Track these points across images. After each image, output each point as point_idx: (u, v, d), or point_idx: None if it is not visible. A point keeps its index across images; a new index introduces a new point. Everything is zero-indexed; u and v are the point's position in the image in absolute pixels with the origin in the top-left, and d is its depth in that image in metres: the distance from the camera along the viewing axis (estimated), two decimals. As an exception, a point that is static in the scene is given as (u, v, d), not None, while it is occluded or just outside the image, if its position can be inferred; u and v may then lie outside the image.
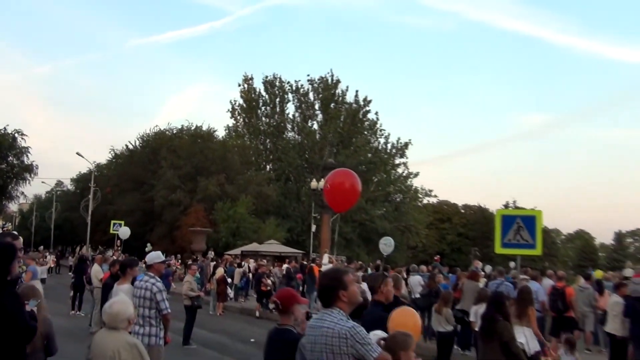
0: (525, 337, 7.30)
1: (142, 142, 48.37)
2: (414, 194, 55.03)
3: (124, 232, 31.72)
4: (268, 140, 52.36)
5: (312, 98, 52.44)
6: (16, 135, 41.80)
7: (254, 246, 32.40)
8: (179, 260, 34.31)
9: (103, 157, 58.75)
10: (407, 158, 53.30)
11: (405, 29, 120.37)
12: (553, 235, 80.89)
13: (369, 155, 50.74)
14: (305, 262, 23.75)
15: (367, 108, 52.28)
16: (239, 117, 53.43)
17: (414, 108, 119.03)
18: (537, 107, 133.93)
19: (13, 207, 63.88)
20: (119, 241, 33.01)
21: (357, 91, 52.45)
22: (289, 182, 49.55)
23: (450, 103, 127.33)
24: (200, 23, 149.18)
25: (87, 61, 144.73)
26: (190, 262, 21.89)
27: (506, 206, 63.17)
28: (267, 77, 52.74)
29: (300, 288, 20.38)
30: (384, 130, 53.00)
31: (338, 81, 51.98)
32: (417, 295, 13.99)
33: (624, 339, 9.84)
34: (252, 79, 53.26)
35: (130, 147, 49.43)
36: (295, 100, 52.73)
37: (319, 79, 52.02)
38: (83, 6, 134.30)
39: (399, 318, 4.46)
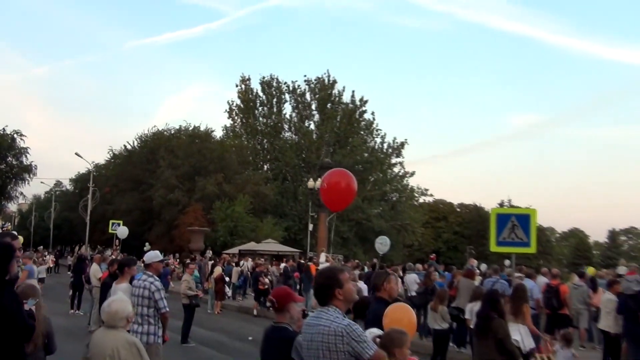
0: (520, 334, 7.35)
1: (141, 142, 48.66)
2: (410, 193, 55.42)
3: (123, 231, 31.84)
4: (265, 140, 52.61)
5: (308, 98, 52.79)
6: (15, 135, 42.23)
7: (251, 245, 32.54)
8: (177, 260, 34.52)
9: (101, 157, 59.09)
10: (403, 157, 53.73)
11: (400, 29, 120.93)
12: (548, 233, 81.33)
13: (366, 154, 51.06)
14: (302, 261, 23.85)
15: (364, 108, 52.65)
16: (236, 118, 53.69)
17: (410, 108, 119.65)
18: (531, 107, 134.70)
19: (12, 207, 63.88)
20: (117, 240, 33.18)
21: (353, 91, 52.88)
22: (286, 182, 49.79)
23: (446, 103, 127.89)
24: (197, 24, 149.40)
25: (85, 62, 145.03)
26: (188, 261, 21.87)
27: (501, 205, 63.35)
28: (264, 77, 53.07)
29: (298, 287, 20.68)
30: (380, 130, 53.40)
31: (334, 81, 52.34)
32: (413, 293, 14.12)
33: (618, 336, 9.88)
34: (249, 79, 53.65)
35: (129, 147, 49.72)
36: (292, 101, 53.05)
37: (315, 80, 52.36)
38: (81, 8, 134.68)
39: (394, 314, 4.48)
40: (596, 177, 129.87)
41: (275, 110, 52.88)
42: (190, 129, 45.61)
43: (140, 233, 40.28)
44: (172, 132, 46.53)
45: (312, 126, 52.43)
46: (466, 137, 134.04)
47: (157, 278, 6.89)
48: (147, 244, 37.09)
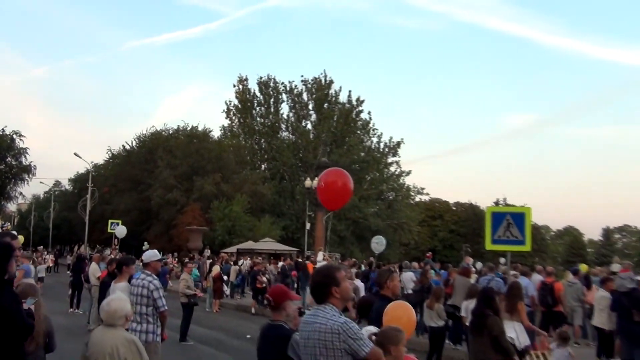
0: (515, 331, 7.35)
1: (139, 142, 48.78)
2: (406, 192, 55.84)
3: (121, 231, 31.95)
4: (263, 140, 52.90)
5: (305, 98, 53.07)
6: (14, 136, 42.49)
7: (249, 244, 32.74)
8: (176, 259, 34.75)
9: (100, 158, 58.98)
10: (399, 157, 54.16)
11: (396, 30, 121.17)
12: (543, 231, 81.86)
13: (362, 154, 51.44)
14: (300, 260, 23.78)
15: (360, 108, 53.05)
16: (234, 118, 53.99)
17: (406, 108, 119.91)
18: (526, 106, 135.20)
19: (12, 207, 63.97)
20: (116, 240, 33.25)
21: (350, 91, 53.23)
22: (283, 181, 50.09)
23: (442, 102, 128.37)
24: (195, 25, 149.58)
25: (84, 63, 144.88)
26: (186, 260, 22.13)
27: (496, 203, 63.77)
28: (261, 78, 53.43)
29: (295, 285, 20.92)
30: (376, 129, 53.80)
31: (331, 82, 52.66)
32: (410, 291, 14.16)
33: (611, 333, 9.92)
34: (246, 80, 53.93)
35: (127, 147, 49.84)
36: (290, 101, 53.34)
37: (312, 80, 52.65)
38: (80, 8, 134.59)
39: (394, 312, 4.49)
40: (591, 176, 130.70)
41: (272, 110, 53.19)
42: (188, 129, 45.85)
43: (139, 232, 40.51)
44: (170, 132, 46.77)
45: (309, 126, 52.79)
46: (462, 137, 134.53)
47: (156, 277, 6.89)
48: (145, 243, 37.32)
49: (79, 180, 55.80)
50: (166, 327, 6.98)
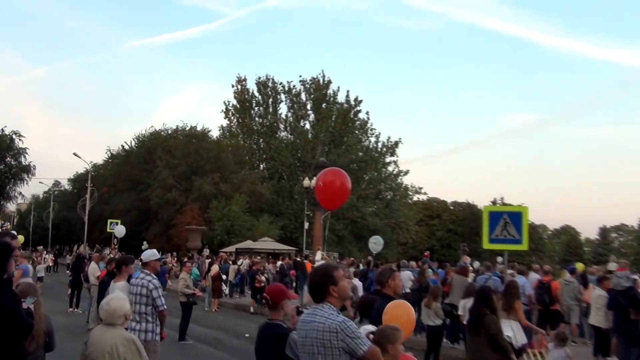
0: (512, 330, 7.35)
1: (138, 142, 48.99)
2: (404, 192, 56.14)
3: (120, 230, 32.03)
4: (261, 140, 53.10)
5: (304, 98, 53.32)
6: (14, 136, 42.59)
7: (248, 243, 32.80)
8: (175, 258, 34.84)
9: (99, 158, 59.31)
10: (397, 156, 54.49)
11: (394, 30, 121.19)
12: (540, 230, 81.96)
13: (360, 153, 51.73)
14: (298, 259, 23.96)
15: (358, 108, 53.26)
16: (232, 118, 54.22)
17: (404, 108, 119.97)
18: (524, 106, 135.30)
19: (11, 207, 64.11)
20: (115, 239, 33.27)
21: (348, 91, 53.57)
22: (282, 181, 50.30)
23: (440, 102, 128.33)
24: (194, 25, 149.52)
25: (84, 63, 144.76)
26: (185, 259, 22.08)
27: (494, 203, 63.97)
28: (260, 78, 53.65)
29: (294, 284, 21.01)
30: (374, 129, 54.14)
31: (329, 82, 52.90)
32: (407, 290, 14.06)
33: (608, 331, 9.94)
34: (245, 80, 54.14)
35: (126, 147, 50.08)
36: (288, 101, 53.57)
37: (310, 80, 52.91)
38: (80, 9, 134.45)
39: (394, 311, 4.50)
40: (587, 176, 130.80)
41: (271, 110, 53.40)
42: (187, 129, 46.09)
43: (138, 232, 40.68)
44: (169, 132, 47.00)
45: (308, 126, 53.02)
46: (460, 136, 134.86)
47: (155, 276, 6.92)
48: (144, 242, 37.53)
49: (79, 180, 55.89)
50: (165, 326, 7.01)
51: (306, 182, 30.20)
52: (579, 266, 19.21)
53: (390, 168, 54.69)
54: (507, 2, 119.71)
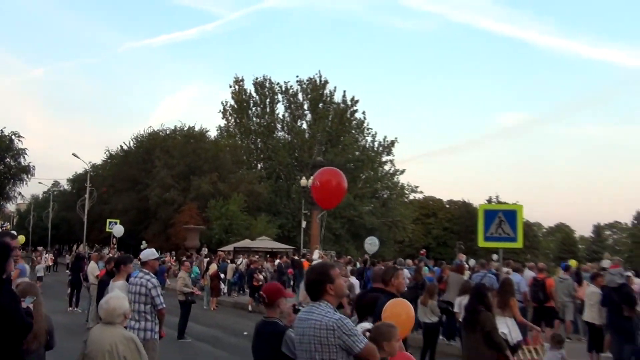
0: (507, 327, 7.40)
1: (137, 142, 49.17)
2: (401, 191, 56.40)
3: (119, 230, 32.27)
4: (259, 140, 53.29)
5: (301, 98, 53.53)
6: (13, 137, 42.66)
7: (246, 242, 32.87)
8: (174, 257, 35.06)
9: (98, 158, 59.33)
10: (393, 156, 54.66)
11: (390, 30, 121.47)
12: (534, 228, 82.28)
13: (357, 153, 51.95)
14: (296, 258, 24.25)
15: (355, 108, 53.48)
16: (230, 118, 54.38)
17: (400, 107, 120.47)
18: (518, 105, 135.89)
19: (11, 207, 64.24)
20: (114, 239, 33.51)
21: (344, 91, 53.69)
22: (279, 180, 50.50)
23: (435, 102, 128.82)
24: (192, 26, 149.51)
25: (82, 64, 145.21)
26: (184, 258, 22.40)
27: (489, 201, 64.44)
28: (257, 78, 53.82)
29: (292, 282, 21.30)
30: (371, 129, 54.31)
31: (326, 82, 53.09)
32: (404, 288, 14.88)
33: (602, 328, 10.01)
34: (242, 80, 54.36)
35: (125, 147, 50.23)
36: (285, 101, 53.77)
37: (307, 80, 53.11)
38: (78, 10, 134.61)
39: (394, 309, 4.52)
40: (582, 174, 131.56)
41: (268, 110, 53.57)
42: (185, 129, 46.22)
43: (137, 232, 40.87)
44: (168, 132, 47.11)
45: (305, 126, 53.19)
46: (455, 135, 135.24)
47: (154, 275, 6.97)
48: (143, 242, 37.72)
49: (78, 181, 56.10)
50: (164, 325, 7.08)
51: (303, 181, 30.34)
52: (572, 263, 19.37)
53: (386, 167, 55.01)
54: (503, 3, 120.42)
